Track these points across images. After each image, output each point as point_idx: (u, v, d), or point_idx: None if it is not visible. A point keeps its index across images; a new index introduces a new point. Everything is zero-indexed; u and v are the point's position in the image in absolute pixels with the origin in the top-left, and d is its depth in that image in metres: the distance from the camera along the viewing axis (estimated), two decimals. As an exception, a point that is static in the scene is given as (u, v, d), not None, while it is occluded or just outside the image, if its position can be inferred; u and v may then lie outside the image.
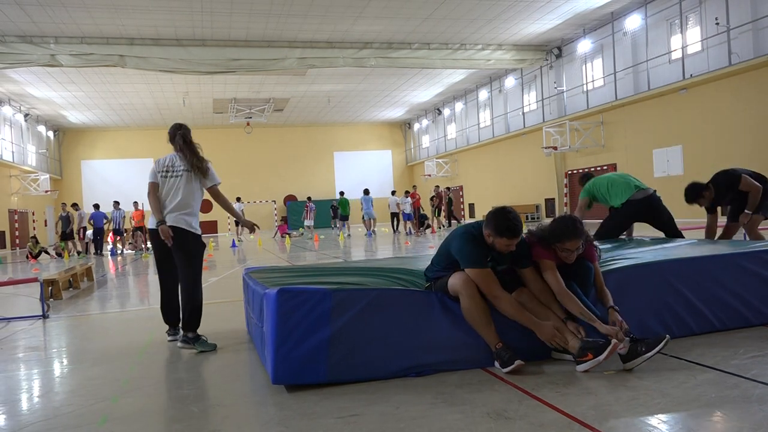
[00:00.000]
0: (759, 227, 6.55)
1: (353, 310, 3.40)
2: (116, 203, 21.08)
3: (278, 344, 3.30)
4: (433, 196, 25.02)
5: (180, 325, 4.72)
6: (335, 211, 26.84)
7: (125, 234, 21.73)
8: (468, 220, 32.96)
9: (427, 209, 26.30)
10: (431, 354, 3.51)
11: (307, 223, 24.60)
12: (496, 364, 3.47)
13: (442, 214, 25.06)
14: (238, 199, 27.13)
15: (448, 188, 27.24)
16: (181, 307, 4.66)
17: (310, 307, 3.34)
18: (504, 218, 3.46)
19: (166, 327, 4.97)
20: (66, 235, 19.55)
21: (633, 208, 6.40)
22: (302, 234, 25.23)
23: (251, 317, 4.40)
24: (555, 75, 24.64)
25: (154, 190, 4.92)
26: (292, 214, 36.05)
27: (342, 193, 25.97)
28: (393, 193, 26.77)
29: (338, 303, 3.38)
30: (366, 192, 24.20)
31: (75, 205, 20.86)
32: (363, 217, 24.01)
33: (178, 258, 4.69)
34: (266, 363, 3.58)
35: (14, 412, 3.30)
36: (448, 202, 25.67)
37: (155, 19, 18.14)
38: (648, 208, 6.42)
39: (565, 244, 3.60)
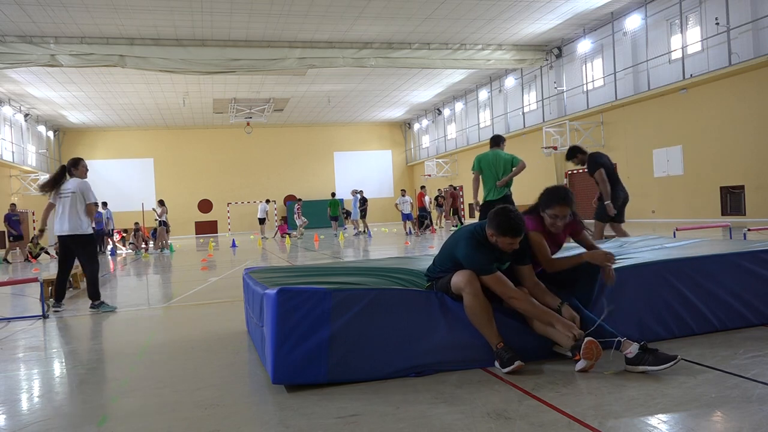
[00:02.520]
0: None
1: (353, 310, 3.40)
2: (104, 204, 21.04)
3: (278, 344, 3.30)
4: (438, 196, 25.08)
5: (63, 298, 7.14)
6: (347, 213, 27.46)
7: (127, 234, 21.74)
8: (469, 220, 32.95)
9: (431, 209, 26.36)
10: (431, 354, 3.50)
11: (299, 222, 24.93)
12: (496, 363, 3.46)
13: (450, 212, 25.14)
14: (267, 201, 28.31)
15: (454, 188, 27.37)
16: (88, 282, 6.96)
17: (310, 306, 3.33)
18: (506, 217, 3.49)
19: (86, 305, 6.94)
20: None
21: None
22: (302, 234, 25.31)
23: (251, 317, 4.40)
24: (555, 75, 24.63)
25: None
26: (292, 214, 36.08)
27: (333, 194, 26.26)
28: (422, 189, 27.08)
29: (338, 303, 3.37)
30: (354, 193, 24.55)
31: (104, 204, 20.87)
32: (350, 218, 24.39)
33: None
34: (266, 363, 3.58)
35: (14, 412, 3.29)
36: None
37: (155, 19, 18.14)
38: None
39: (554, 209, 3.75)
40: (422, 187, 25.94)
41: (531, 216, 3.88)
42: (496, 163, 7.82)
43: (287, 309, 3.31)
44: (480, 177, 7.89)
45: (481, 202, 7.97)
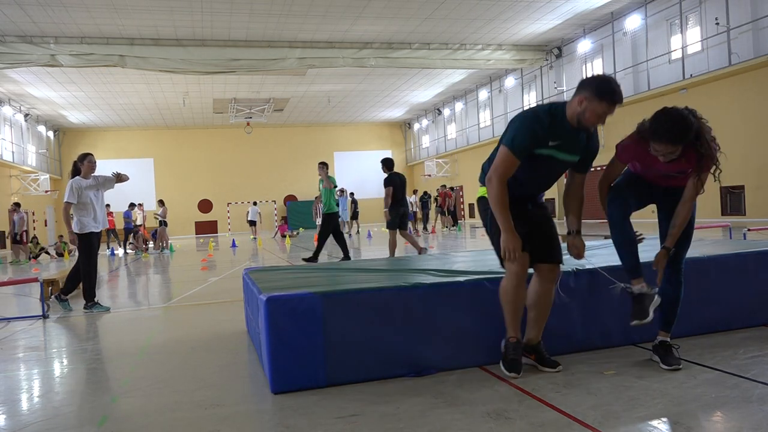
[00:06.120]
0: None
1: (347, 311, 3.38)
2: (131, 205, 21.40)
3: (274, 353, 3.28)
4: (436, 197, 25.12)
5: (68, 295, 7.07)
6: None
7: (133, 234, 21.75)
8: (468, 220, 32.93)
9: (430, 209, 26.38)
10: (430, 352, 3.50)
11: (318, 222, 25.07)
12: (501, 357, 3.40)
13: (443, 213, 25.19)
14: (255, 204, 28.38)
15: (452, 188, 27.39)
16: (94, 282, 6.89)
17: (300, 312, 3.30)
18: (608, 82, 3.08)
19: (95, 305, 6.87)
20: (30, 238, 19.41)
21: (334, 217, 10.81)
22: (298, 233, 25.43)
23: (251, 318, 4.40)
24: (555, 75, 24.63)
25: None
26: (292, 214, 36.05)
27: None
28: (415, 192, 27.12)
29: (330, 306, 3.35)
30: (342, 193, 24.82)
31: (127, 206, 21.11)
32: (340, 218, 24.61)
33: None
34: (265, 369, 3.58)
35: (14, 412, 3.30)
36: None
37: (155, 19, 18.14)
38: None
39: (656, 145, 3.17)
40: (443, 186, 26.16)
41: (637, 136, 3.36)
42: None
43: (278, 317, 3.28)
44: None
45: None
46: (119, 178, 7.22)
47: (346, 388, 3.30)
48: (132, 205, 21.20)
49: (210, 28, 19.32)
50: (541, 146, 3.17)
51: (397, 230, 10.14)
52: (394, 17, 19.41)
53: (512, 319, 3.36)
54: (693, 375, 3.22)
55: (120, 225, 22.54)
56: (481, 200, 3.50)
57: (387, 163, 10.40)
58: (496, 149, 3.34)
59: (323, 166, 11.27)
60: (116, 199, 23.04)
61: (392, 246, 10.17)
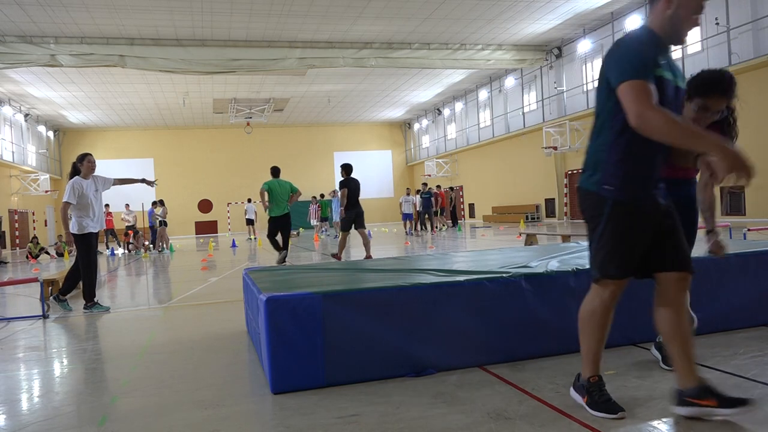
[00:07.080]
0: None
1: (346, 311, 3.38)
2: (154, 203, 21.47)
3: (273, 353, 3.29)
4: (430, 196, 25.09)
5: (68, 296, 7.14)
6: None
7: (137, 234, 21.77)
8: (468, 220, 32.93)
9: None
10: (430, 352, 3.49)
11: (313, 222, 25.03)
12: (580, 398, 2.83)
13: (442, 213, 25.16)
14: (249, 200, 28.34)
15: (451, 188, 27.34)
16: (94, 282, 6.92)
17: (300, 312, 3.30)
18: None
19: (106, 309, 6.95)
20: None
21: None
22: (299, 234, 25.41)
23: (251, 318, 4.40)
24: (555, 75, 24.63)
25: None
26: (292, 214, 36.01)
27: (322, 195, 26.23)
28: (418, 192, 27.21)
29: (329, 306, 3.35)
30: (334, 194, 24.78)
31: (160, 202, 21.16)
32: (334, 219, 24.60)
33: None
34: (265, 368, 3.58)
35: (14, 412, 3.29)
36: (450, 201, 25.79)
37: (155, 19, 18.14)
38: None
39: (706, 101, 3.04)
40: (437, 186, 26.09)
41: None
42: (281, 189, 11.08)
43: (278, 317, 3.29)
44: (268, 197, 11.05)
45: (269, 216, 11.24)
46: (146, 182, 7.76)
47: (346, 388, 3.30)
48: (155, 204, 21.17)
49: (210, 28, 19.32)
50: (656, 65, 2.61)
51: (349, 231, 11.05)
52: (394, 17, 19.41)
53: (596, 350, 2.76)
54: (693, 375, 3.21)
55: (119, 225, 22.55)
56: (588, 195, 2.69)
57: (346, 168, 11.14)
58: (600, 120, 2.79)
59: (272, 170, 11.63)
60: (116, 198, 23.02)
61: (342, 247, 11.04)
